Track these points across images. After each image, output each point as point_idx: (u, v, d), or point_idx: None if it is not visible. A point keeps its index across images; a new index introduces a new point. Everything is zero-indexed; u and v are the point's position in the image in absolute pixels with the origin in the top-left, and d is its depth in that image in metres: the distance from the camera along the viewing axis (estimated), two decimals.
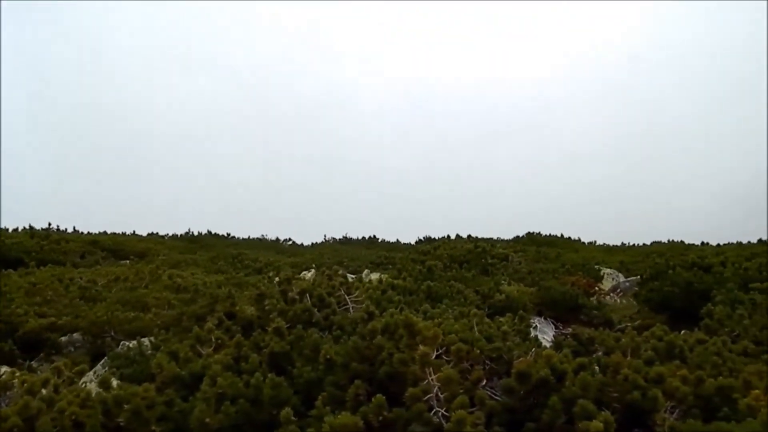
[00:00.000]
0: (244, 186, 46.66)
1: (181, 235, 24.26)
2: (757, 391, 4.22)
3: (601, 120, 51.38)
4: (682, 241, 19.92)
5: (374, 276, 12.99)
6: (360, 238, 26.31)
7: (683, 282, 9.43)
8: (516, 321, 7.35)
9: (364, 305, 6.35)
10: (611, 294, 12.62)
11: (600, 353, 5.96)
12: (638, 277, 12.10)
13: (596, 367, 4.88)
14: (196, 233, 24.51)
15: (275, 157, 51.11)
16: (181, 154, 53.15)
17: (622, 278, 14.03)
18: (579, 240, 21.98)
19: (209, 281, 12.00)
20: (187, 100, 54.98)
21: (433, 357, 4.73)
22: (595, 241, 22.19)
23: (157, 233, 24.04)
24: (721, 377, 4.66)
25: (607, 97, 55.40)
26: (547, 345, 7.03)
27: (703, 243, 18.32)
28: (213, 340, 5.97)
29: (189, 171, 50.17)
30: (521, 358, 4.90)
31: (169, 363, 5.42)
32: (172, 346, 6.13)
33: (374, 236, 26.33)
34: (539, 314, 9.93)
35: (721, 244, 16.82)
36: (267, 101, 56.77)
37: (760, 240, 13.59)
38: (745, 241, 15.74)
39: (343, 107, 56.81)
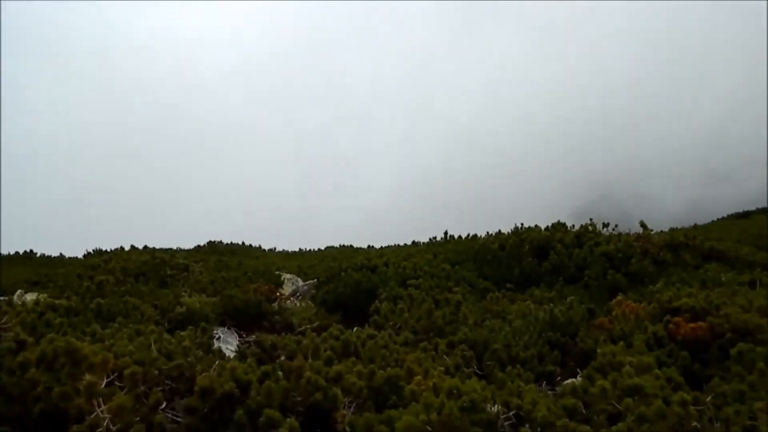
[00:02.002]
0: None
1: None
2: (418, 377, 4.74)
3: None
4: (351, 245, 21.86)
5: (30, 297, 11.14)
6: (11, 253, 22.48)
7: (353, 282, 10.27)
8: (198, 334, 7.06)
9: (12, 333, 5.32)
10: (291, 298, 13.07)
11: (283, 358, 6.06)
12: (315, 280, 12.79)
13: (280, 373, 4.91)
14: None
15: None
16: None
17: (300, 282, 14.68)
18: (259, 247, 22.42)
19: None
20: None
21: (103, 385, 4.17)
22: (275, 248, 22.91)
23: None
24: (389, 368, 5.12)
25: None
26: (232, 355, 6.90)
27: (369, 246, 20.37)
28: None
29: None
30: (204, 374, 4.66)
31: None
32: None
33: (31, 250, 22.81)
34: (222, 324, 9.72)
35: (383, 246, 18.92)
36: None
37: (413, 242, 15.69)
38: (401, 243, 18.04)
39: None
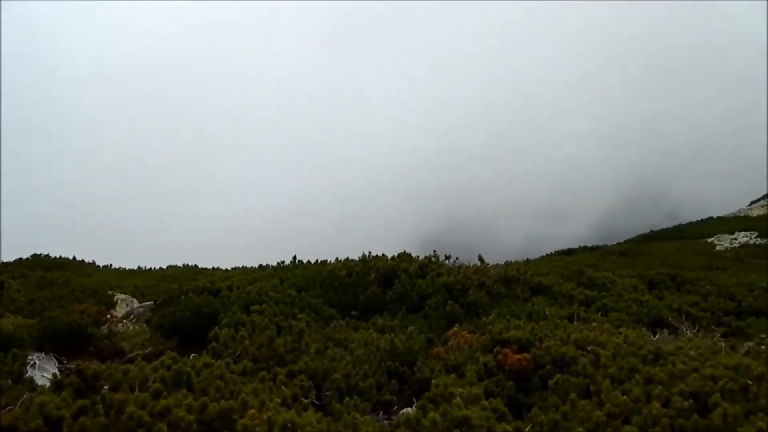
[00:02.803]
0: None
1: None
2: (252, 410, 4.58)
3: None
4: (196, 265, 20.90)
5: None
6: None
7: (194, 306, 9.79)
8: (8, 360, 6.31)
9: None
10: (125, 321, 12.17)
11: (107, 389, 5.58)
12: (152, 302, 12.04)
13: (100, 408, 4.51)
14: None
15: None
16: None
17: (136, 303, 13.75)
18: (93, 263, 20.72)
19: None
20: None
21: None
22: (111, 265, 21.29)
23: None
24: (223, 400, 4.90)
25: None
26: (47, 386, 6.23)
27: (214, 267, 19.61)
28: None
29: None
30: (9, 408, 4.15)
31: None
32: None
33: None
34: (40, 349, 8.78)
35: (230, 268, 18.31)
36: None
37: (260, 265, 15.32)
38: (249, 265, 17.56)
39: None
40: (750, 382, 5.00)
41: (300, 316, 9.28)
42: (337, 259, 12.41)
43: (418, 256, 11.93)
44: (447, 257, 11.89)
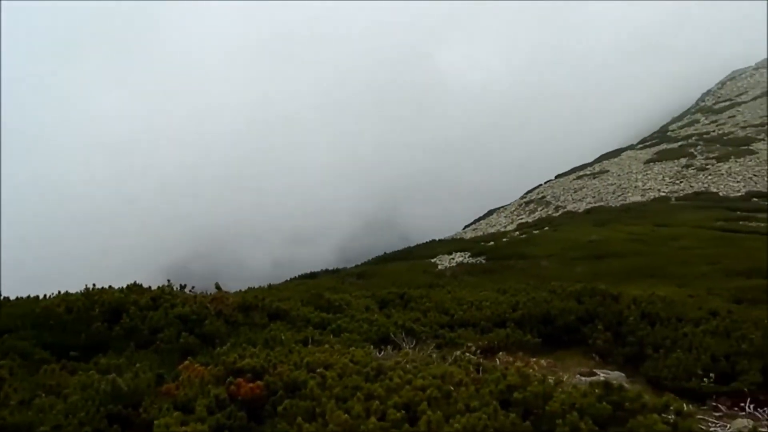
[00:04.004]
0: None
1: None
2: None
3: None
4: None
5: None
6: None
7: None
8: None
9: None
10: None
11: None
12: None
13: None
14: None
15: None
16: None
17: None
18: None
19: None
20: None
21: None
22: None
23: None
24: None
25: None
26: None
27: None
28: None
29: None
30: None
31: None
32: None
33: None
34: None
35: None
36: None
37: None
38: None
39: None
40: (452, 388, 5.65)
41: (2, 363, 8.00)
42: (53, 294, 11.04)
43: (150, 287, 11.20)
44: (182, 286, 11.38)
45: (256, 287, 19.71)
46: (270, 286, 20.64)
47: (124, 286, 11.01)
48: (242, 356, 7.99)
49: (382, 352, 8.74)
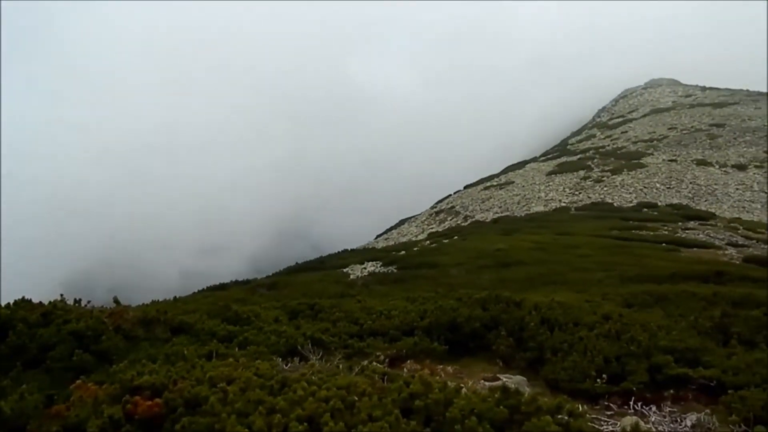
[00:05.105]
0: None
1: None
2: None
3: None
4: None
5: None
6: None
7: None
8: None
9: None
10: None
11: None
12: None
13: None
14: None
15: None
16: None
17: None
18: None
19: None
20: None
21: None
22: None
23: None
24: None
25: None
26: None
27: None
28: None
29: None
30: None
31: None
32: None
33: None
34: None
35: None
36: None
37: None
38: None
39: None
40: (356, 398, 5.67)
41: None
42: None
43: (41, 302, 10.51)
44: (77, 301, 10.76)
45: (160, 300, 18.95)
46: (176, 299, 19.89)
47: (11, 302, 10.27)
48: (141, 373, 7.66)
49: (289, 365, 8.64)
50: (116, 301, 10.75)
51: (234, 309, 14.40)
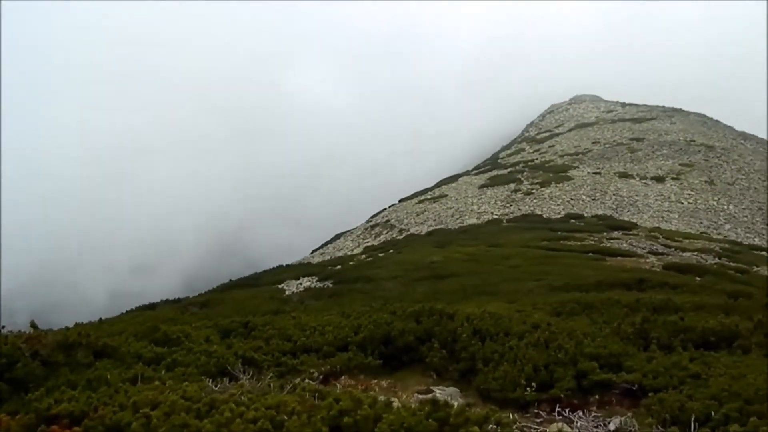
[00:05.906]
0: None
1: None
2: None
3: None
4: None
5: None
6: None
7: None
8: None
9: None
10: None
11: None
12: None
13: None
14: None
15: None
16: None
17: None
18: None
19: None
20: None
21: None
22: None
23: None
24: None
25: None
26: None
27: None
28: None
29: None
30: None
31: None
32: None
33: None
34: None
35: None
36: None
37: None
38: None
39: None
40: (285, 417, 5.59)
41: None
42: None
43: None
44: None
45: (85, 322, 18.11)
46: (101, 320, 19.07)
47: None
48: (59, 401, 7.30)
49: (219, 386, 8.42)
50: (33, 325, 10.20)
51: (162, 329, 13.92)
